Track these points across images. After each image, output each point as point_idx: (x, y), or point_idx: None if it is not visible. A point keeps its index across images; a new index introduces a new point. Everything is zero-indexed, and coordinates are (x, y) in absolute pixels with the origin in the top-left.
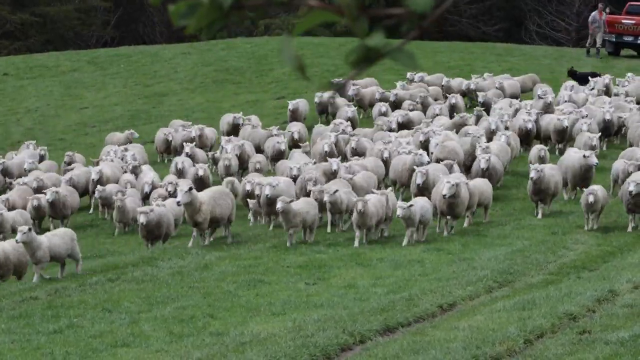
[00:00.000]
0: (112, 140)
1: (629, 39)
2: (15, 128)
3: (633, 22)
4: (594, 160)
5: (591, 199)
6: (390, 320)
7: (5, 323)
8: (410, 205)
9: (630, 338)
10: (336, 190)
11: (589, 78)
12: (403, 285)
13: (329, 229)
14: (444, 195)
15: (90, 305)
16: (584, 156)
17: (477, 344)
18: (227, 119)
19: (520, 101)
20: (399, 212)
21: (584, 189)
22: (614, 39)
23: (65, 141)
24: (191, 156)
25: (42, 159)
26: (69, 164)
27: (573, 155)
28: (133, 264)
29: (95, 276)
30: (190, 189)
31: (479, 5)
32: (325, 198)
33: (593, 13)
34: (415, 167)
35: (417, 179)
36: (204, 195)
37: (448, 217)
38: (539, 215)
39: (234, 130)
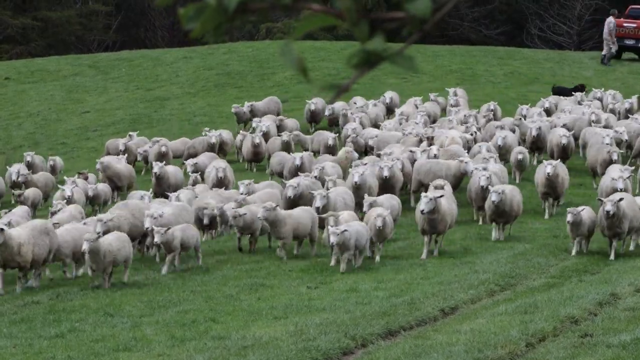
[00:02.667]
0: (116, 145)
1: (630, 42)
2: (17, 132)
3: (634, 25)
4: (618, 184)
5: (569, 218)
6: (392, 324)
7: (7, 327)
8: (345, 230)
9: (632, 341)
10: (168, 228)
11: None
12: (405, 288)
13: (164, 271)
14: (422, 211)
15: (92, 309)
16: (612, 179)
17: (479, 347)
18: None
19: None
20: (332, 239)
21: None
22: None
23: (67, 145)
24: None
25: (31, 166)
26: (24, 185)
27: (606, 177)
28: (135, 268)
29: (97, 280)
30: (1, 229)
31: (481, 9)
32: (156, 239)
33: (613, 21)
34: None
35: (316, 202)
36: (22, 234)
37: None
38: (500, 237)
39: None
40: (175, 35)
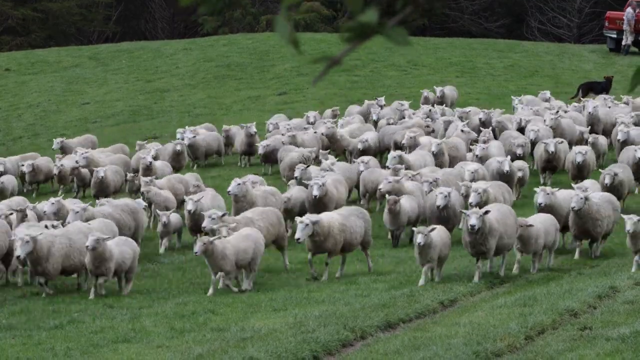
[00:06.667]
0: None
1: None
2: (17, 123)
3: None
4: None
5: (419, 239)
6: (391, 316)
7: (7, 318)
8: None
9: (631, 334)
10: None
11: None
12: (404, 281)
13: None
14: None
15: (91, 300)
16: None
17: (478, 340)
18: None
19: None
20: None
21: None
22: (615, 36)
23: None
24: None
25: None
26: None
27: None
28: None
29: None
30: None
31: (481, 2)
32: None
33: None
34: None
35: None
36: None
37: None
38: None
39: None
40: (175, 27)
